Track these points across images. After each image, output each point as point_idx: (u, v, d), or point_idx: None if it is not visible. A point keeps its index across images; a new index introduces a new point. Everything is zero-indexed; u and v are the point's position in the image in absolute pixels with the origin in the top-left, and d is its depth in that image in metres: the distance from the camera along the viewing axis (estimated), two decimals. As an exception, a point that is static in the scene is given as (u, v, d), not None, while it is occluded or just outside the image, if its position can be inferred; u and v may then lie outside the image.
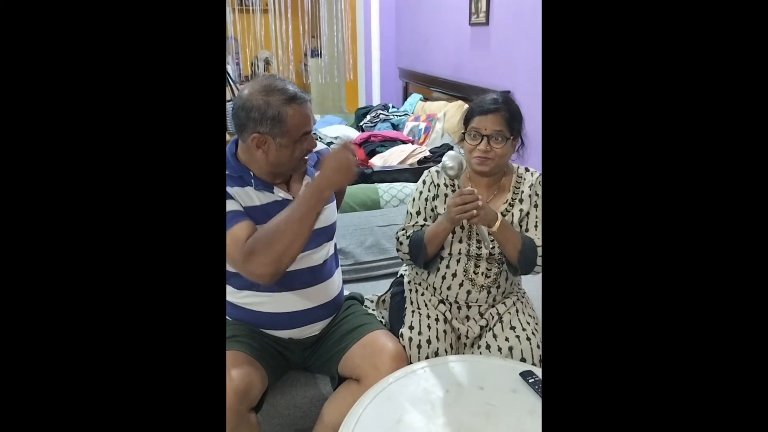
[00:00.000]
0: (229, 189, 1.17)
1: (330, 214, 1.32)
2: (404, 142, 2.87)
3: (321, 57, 4.78)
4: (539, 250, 1.30)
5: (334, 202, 1.36)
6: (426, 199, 1.40)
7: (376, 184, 2.11)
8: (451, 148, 2.75)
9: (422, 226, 1.40)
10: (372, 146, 2.75)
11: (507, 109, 1.29)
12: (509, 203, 1.37)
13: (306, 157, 1.21)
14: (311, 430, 1.26)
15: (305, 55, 5.20)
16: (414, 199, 1.43)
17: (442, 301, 1.39)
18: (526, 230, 1.36)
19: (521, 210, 1.36)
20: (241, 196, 1.18)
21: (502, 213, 1.35)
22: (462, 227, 1.35)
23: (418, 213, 1.41)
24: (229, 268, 1.18)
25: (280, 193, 1.22)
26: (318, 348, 1.32)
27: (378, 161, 2.60)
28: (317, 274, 1.29)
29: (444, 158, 1.24)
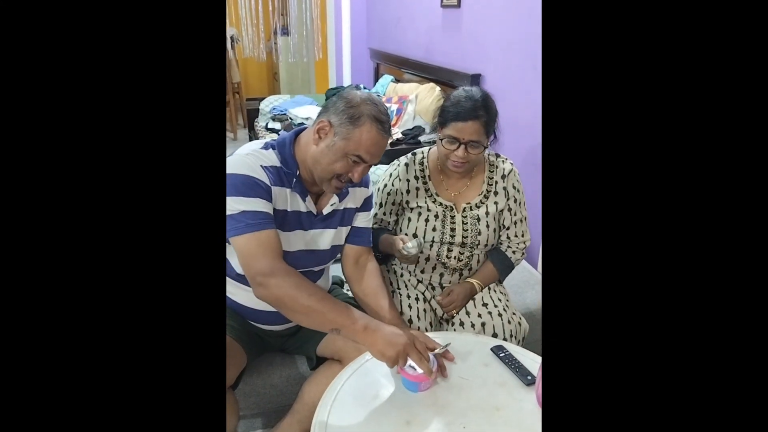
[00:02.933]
0: (273, 187, 1.13)
1: (338, 237, 1.28)
2: (376, 124, 2.87)
3: (290, 36, 4.68)
4: (514, 256, 1.42)
5: (348, 227, 1.31)
6: (389, 193, 1.41)
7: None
8: (423, 131, 2.77)
9: (381, 219, 1.42)
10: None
11: (486, 113, 1.27)
12: (483, 194, 1.40)
13: (338, 181, 1.14)
14: (288, 408, 1.29)
15: (275, 33, 5.09)
16: (378, 190, 1.44)
17: (420, 281, 1.42)
18: (506, 227, 1.41)
19: (496, 203, 1.40)
20: (276, 197, 1.14)
21: (476, 204, 1.39)
22: (436, 216, 1.38)
23: (381, 205, 1.43)
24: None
25: (309, 204, 1.20)
26: (296, 333, 1.34)
27: (350, 143, 2.60)
28: (311, 279, 1.27)
29: (408, 245, 1.25)
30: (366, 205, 1.32)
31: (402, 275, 1.43)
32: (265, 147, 1.16)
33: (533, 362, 1.11)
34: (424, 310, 1.34)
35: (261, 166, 1.12)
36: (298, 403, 1.26)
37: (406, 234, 1.39)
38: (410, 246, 1.24)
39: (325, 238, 1.25)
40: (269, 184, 1.12)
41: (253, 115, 3.73)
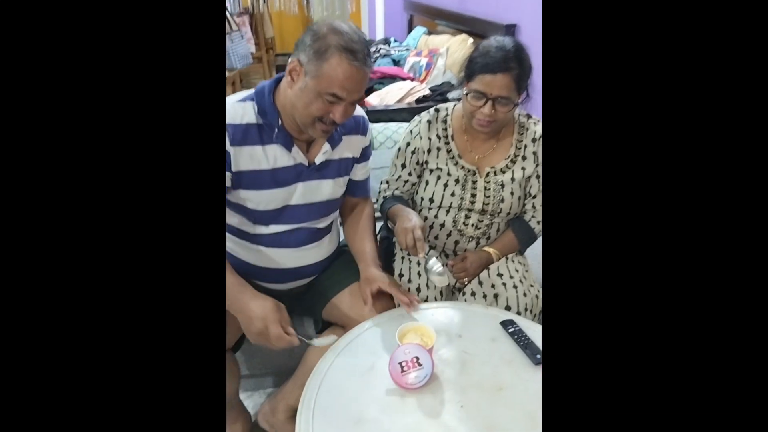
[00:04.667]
0: (235, 147, 1.04)
1: (339, 187, 1.21)
2: (404, 79, 2.73)
3: (322, -13, 4.50)
4: (538, 227, 1.31)
5: (348, 177, 1.23)
6: (413, 152, 1.30)
7: (370, 124, 2.01)
8: (452, 87, 2.61)
9: (405, 181, 1.32)
10: (370, 83, 2.62)
11: (518, 66, 1.12)
12: (511, 159, 1.28)
13: (322, 124, 1.04)
14: (294, 369, 1.26)
15: (306, -15, 4.91)
16: (400, 149, 1.33)
17: (432, 247, 1.34)
18: (532, 195, 1.29)
19: (524, 169, 1.27)
20: (240, 158, 1.06)
21: (501, 169, 1.28)
22: (456, 180, 1.27)
23: (403, 166, 1.32)
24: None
25: (297, 155, 1.10)
26: (303, 295, 1.30)
27: (374, 99, 2.49)
28: (316, 235, 1.23)
29: (430, 273, 1.13)
30: (364, 155, 1.24)
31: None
32: (243, 99, 1.08)
33: (546, 339, 1.02)
34: (434, 278, 1.26)
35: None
36: (301, 369, 1.23)
37: (422, 198, 1.30)
38: (435, 269, 1.12)
39: (324, 190, 1.17)
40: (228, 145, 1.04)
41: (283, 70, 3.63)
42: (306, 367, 1.20)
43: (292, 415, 1.23)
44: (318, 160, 1.13)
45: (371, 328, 1.08)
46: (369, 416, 0.86)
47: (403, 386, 0.90)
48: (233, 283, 1.03)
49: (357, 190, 1.27)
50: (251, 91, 1.11)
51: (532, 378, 0.93)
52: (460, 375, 0.95)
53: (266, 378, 1.51)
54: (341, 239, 1.38)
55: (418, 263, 1.26)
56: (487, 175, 1.27)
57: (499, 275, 1.22)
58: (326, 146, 1.14)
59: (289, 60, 1.03)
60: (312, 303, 1.28)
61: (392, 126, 2.04)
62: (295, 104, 1.03)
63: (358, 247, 1.22)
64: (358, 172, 1.25)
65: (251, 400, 1.48)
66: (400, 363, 0.90)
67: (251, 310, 0.99)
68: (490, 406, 0.88)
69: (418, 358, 0.90)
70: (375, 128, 2.03)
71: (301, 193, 1.14)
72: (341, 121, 1.04)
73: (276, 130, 1.07)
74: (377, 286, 1.11)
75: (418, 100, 2.42)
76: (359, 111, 1.22)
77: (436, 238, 1.31)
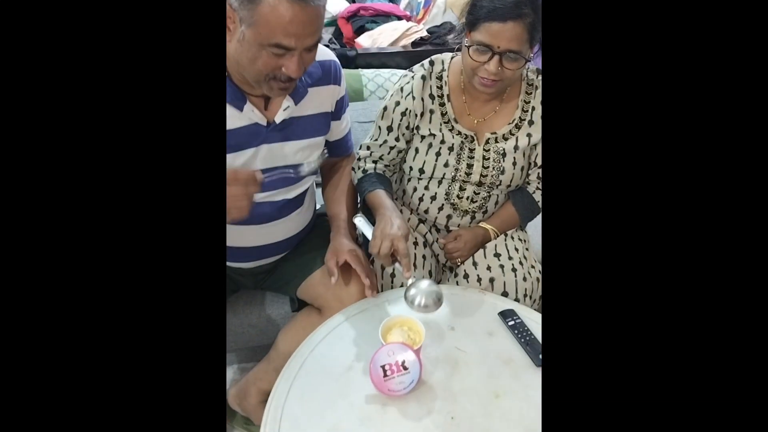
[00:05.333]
0: None
1: (312, 151, 1.03)
2: (399, 18, 2.47)
3: None
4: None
5: (322, 138, 1.05)
6: (403, 114, 1.10)
7: (360, 69, 1.78)
8: (453, 28, 2.36)
9: (391, 147, 1.13)
10: (361, 21, 2.36)
11: (533, 11, 0.92)
12: (515, 124, 1.09)
13: (277, 81, 0.85)
14: (265, 347, 1.15)
15: None
16: (386, 109, 1.11)
17: (422, 221, 1.19)
18: (537, 165, 1.12)
19: (530, 136, 1.09)
20: None
21: (503, 136, 1.10)
22: (450, 148, 1.10)
23: (390, 129, 1.12)
24: None
25: (251, 113, 0.92)
26: (275, 272, 1.16)
27: (365, 41, 2.24)
28: (284, 209, 1.06)
29: (413, 293, 0.88)
30: (340, 108, 1.05)
31: (401, 210, 1.20)
32: None
33: (549, 334, 0.90)
34: (423, 256, 1.11)
35: None
36: (274, 351, 1.11)
37: (410, 167, 1.13)
38: (417, 302, 0.88)
39: (289, 151, 0.99)
40: None
41: None
42: (278, 352, 1.09)
43: (264, 399, 1.12)
44: (279, 118, 0.94)
45: (353, 316, 0.95)
46: (344, 428, 0.75)
47: (385, 393, 0.78)
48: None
49: (336, 149, 1.10)
50: None
51: (533, 383, 0.82)
52: (452, 378, 0.83)
53: (233, 353, 1.40)
54: (319, 206, 1.22)
55: (402, 284, 1.05)
56: (487, 142, 1.10)
57: (497, 255, 1.08)
58: (288, 101, 0.94)
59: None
60: (284, 282, 1.14)
61: (384, 72, 1.81)
62: (238, 61, 0.84)
63: (333, 210, 1.08)
64: (335, 130, 1.07)
65: (223, 375, 1.38)
66: (383, 366, 0.78)
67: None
68: (485, 418, 0.77)
69: (403, 361, 0.78)
70: (365, 74, 1.81)
71: (261, 158, 0.96)
72: (297, 75, 0.84)
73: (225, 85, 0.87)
74: (343, 258, 0.97)
75: (414, 43, 2.18)
76: (327, 55, 1.02)
77: (426, 211, 1.16)
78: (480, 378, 0.83)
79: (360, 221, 1.00)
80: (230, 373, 1.38)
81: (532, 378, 0.83)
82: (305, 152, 1.01)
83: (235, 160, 0.93)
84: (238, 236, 1.03)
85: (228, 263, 1.08)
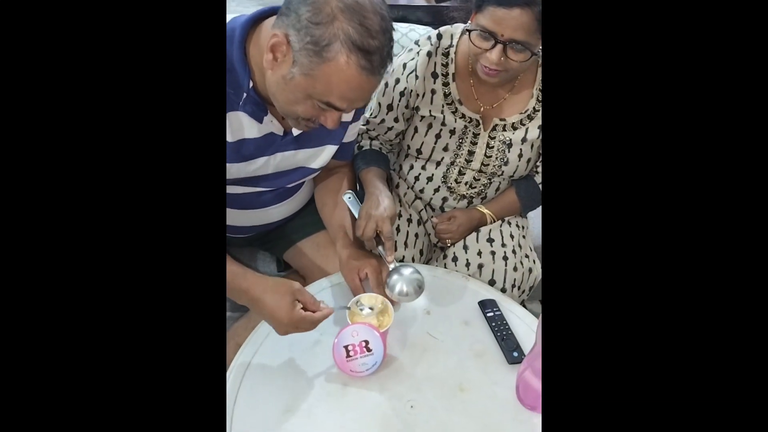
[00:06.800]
0: None
1: (325, 156, 0.96)
2: (431, -31, 2.31)
3: None
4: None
5: (336, 146, 0.97)
6: (402, 93, 1.02)
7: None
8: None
9: (390, 128, 1.05)
10: (390, -31, 2.22)
11: None
12: (528, 114, 1.01)
13: (308, 122, 0.79)
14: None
15: None
16: (387, 86, 1.04)
17: (419, 197, 1.14)
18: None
19: (541, 129, 1.01)
20: None
21: (512, 125, 1.02)
22: (452, 132, 1.03)
23: (390, 108, 1.04)
24: None
25: (269, 125, 0.85)
26: (263, 238, 1.13)
27: (392, -9, 2.11)
28: (284, 195, 1.01)
29: (394, 280, 0.83)
30: (357, 113, 0.97)
31: (398, 185, 1.15)
32: None
33: (529, 330, 0.87)
34: (416, 234, 1.07)
35: None
36: (249, 315, 1.11)
37: (408, 146, 1.06)
38: (397, 289, 0.84)
39: (302, 158, 0.94)
40: None
41: None
42: (250, 318, 1.08)
43: (242, 355, 1.13)
44: (296, 131, 0.88)
45: (328, 288, 0.93)
46: (301, 406, 0.74)
47: (347, 372, 0.77)
48: (235, 273, 0.80)
49: (340, 152, 1.00)
50: None
51: (503, 380, 0.79)
52: (418, 364, 0.81)
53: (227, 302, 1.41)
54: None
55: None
56: (494, 128, 1.03)
57: (490, 241, 1.04)
58: None
59: (271, 26, 0.73)
60: (275, 243, 1.12)
61: (402, 27, 1.70)
62: (275, 93, 0.76)
63: (335, 220, 0.99)
64: (348, 133, 0.99)
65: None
66: (346, 347, 0.76)
67: (267, 309, 0.78)
68: (445, 410, 0.75)
69: (367, 342, 0.76)
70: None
71: (273, 165, 0.91)
72: (333, 128, 0.78)
73: (244, 95, 0.80)
74: (365, 271, 0.89)
75: (441, -2, 2.05)
76: None
77: (422, 191, 1.11)
78: (447, 368, 0.81)
79: (349, 199, 0.95)
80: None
81: (502, 374, 0.80)
82: (316, 159, 0.95)
83: (248, 167, 0.89)
84: (234, 217, 1.00)
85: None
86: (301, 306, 0.76)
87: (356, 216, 0.91)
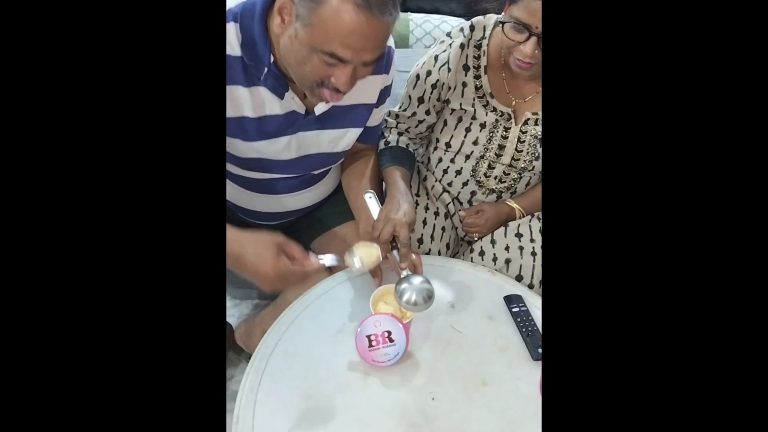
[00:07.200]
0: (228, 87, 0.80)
1: (348, 140, 0.96)
2: (466, -40, 2.28)
3: None
4: None
5: (360, 129, 0.97)
6: (433, 86, 1.01)
7: (408, 13, 1.66)
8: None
9: (420, 121, 1.04)
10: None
11: None
12: None
13: (324, 89, 0.78)
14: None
15: None
16: (418, 78, 1.02)
17: (446, 190, 1.13)
18: None
19: None
20: (231, 102, 0.82)
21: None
22: (482, 125, 1.01)
23: (420, 101, 1.03)
24: None
25: (291, 102, 0.85)
26: (289, 228, 1.15)
27: (425, -18, 2.09)
28: (310, 181, 1.01)
29: (403, 288, 0.79)
30: (383, 96, 0.96)
31: (426, 178, 1.14)
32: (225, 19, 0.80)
33: (555, 327, 0.85)
34: (443, 228, 1.06)
35: None
36: (281, 298, 1.12)
37: (437, 138, 1.04)
38: (405, 298, 0.80)
39: (324, 139, 0.94)
40: None
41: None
42: (284, 300, 1.09)
43: (267, 342, 1.15)
44: (318, 110, 0.88)
45: (357, 277, 0.93)
46: (322, 392, 0.74)
47: (369, 362, 0.77)
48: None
49: (365, 136, 1.00)
50: (236, 3, 0.80)
51: (527, 376, 0.78)
52: (441, 357, 0.80)
53: (255, 290, 1.44)
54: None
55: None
56: (525, 122, 1.00)
57: (518, 236, 1.02)
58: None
59: None
60: (299, 235, 1.14)
61: (434, 19, 1.69)
62: (286, 57, 0.76)
63: (360, 202, 0.99)
64: (372, 117, 0.98)
65: (237, 309, 1.43)
66: (369, 336, 0.76)
67: (249, 263, 0.74)
68: (467, 404, 0.74)
69: (390, 333, 0.76)
70: (413, 19, 1.69)
71: (295, 146, 0.92)
72: (347, 90, 0.77)
73: (265, 69, 0.80)
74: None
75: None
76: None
77: (450, 184, 1.09)
78: (470, 362, 0.80)
79: (370, 199, 0.95)
80: (246, 308, 1.43)
81: (526, 370, 0.79)
82: (339, 142, 0.95)
83: (270, 146, 0.89)
84: (262, 202, 1.02)
85: (249, 219, 1.08)
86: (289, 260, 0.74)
87: (374, 217, 0.91)
